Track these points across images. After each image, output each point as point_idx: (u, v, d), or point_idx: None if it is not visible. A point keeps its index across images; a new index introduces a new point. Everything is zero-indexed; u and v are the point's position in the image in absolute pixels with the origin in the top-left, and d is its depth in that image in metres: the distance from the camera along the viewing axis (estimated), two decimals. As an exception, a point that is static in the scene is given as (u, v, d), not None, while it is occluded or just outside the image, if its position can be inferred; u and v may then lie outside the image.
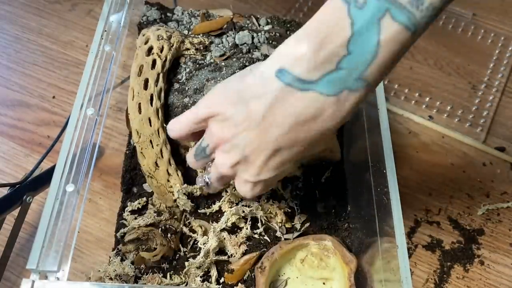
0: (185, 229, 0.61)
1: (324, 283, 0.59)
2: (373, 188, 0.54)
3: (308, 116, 0.39)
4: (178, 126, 0.48)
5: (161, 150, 0.59)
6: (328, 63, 0.37)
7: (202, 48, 0.67)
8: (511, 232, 0.69)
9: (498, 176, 0.75)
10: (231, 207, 0.59)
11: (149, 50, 0.61)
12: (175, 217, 0.61)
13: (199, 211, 0.61)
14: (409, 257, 0.65)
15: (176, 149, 0.63)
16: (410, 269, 0.48)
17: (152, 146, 0.58)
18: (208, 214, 0.61)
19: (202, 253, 0.57)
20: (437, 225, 0.69)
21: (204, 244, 0.58)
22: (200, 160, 0.49)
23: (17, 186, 0.61)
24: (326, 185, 0.65)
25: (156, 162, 0.58)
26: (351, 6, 0.36)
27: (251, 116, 0.41)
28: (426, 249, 0.67)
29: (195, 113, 0.46)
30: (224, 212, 0.60)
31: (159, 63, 0.60)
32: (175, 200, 0.60)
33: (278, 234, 0.60)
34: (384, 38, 0.36)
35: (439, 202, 0.72)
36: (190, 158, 0.51)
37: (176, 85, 0.63)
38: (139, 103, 0.58)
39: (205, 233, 0.60)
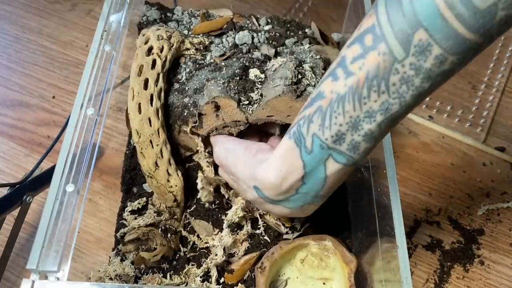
0: (184, 232, 0.61)
1: (324, 283, 0.59)
2: (373, 188, 0.54)
3: (276, 213, 0.53)
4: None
5: (161, 150, 0.58)
6: (289, 191, 0.48)
7: (202, 48, 0.67)
8: (511, 232, 0.69)
9: (498, 176, 0.75)
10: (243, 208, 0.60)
11: (149, 50, 0.61)
12: (175, 217, 0.61)
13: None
14: (409, 257, 0.65)
15: (176, 149, 0.63)
16: (410, 269, 0.48)
17: (152, 146, 0.58)
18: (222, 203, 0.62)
19: (220, 252, 0.58)
20: (437, 225, 0.69)
21: (220, 241, 0.58)
22: None
23: (17, 186, 0.61)
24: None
25: (156, 162, 0.58)
26: (302, 150, 0.46)
27: (242, 192, 0.55)
28: (426, 249, 0.67)
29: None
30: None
31: (159, 63, 0.60)
32: (175, 200, 0.60)
33: (283, 230, 0.60)
34: (329, 173, 0.46)
35: (439, 202, 0.72)
36: None
37: (176, 85, 0.63)
38: (139, 103, 0.58)
39: (206, 236, 0.60)
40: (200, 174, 0.60)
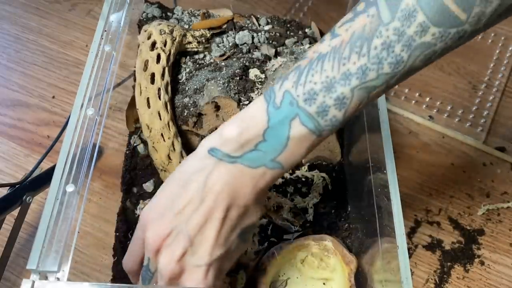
0: None
1: (324, 284, 0.59)
2: (373, 188, 0.54)
3: (237, 183, 0.45)
4: (129, 258, 0.49)
5: (172, 143, 0.58)
6: (249, 144, 0.45)
7: (204, 40, 0.66)
8: (511, 232, 0.69)
9: (498, 176, 0.75)
10: None
11: (153, 45, 0.61)
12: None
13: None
14: (409, 257, 0.65)
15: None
16: (411, 269, 0.48)
17: (164, 140, 0.58)
18: None
19: None
20: (437, 225, 0.69)
21: None
22: (147, 281, 0.47)
23: (17, 186, 0.61)
24: (326, 185, 0.65)
25: (168, 155, 0.58)
26: (270, 105, 0.44)
27: (193, 194, 0.45)
28: (426, 249, 0.67)
29: (135, 236, 0.48)
30: None
31: (163, 57, 0.60)
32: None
33: (292, 229, 0.59)
34: (293, 136, 0.44)
35: (439, 202, 0.71)
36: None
37: (176, 85, 0.63)
38: (147, 98, 0.58)
39: None
40: None
